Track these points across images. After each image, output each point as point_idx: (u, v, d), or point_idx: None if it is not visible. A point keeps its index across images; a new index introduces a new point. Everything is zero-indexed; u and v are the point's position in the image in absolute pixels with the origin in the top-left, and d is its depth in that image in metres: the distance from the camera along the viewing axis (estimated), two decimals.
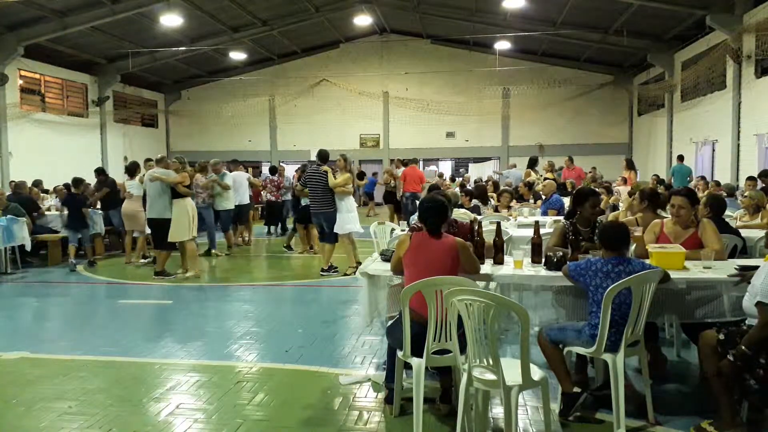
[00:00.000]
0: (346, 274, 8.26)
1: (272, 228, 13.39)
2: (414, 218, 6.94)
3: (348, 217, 8.26)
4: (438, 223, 3.65)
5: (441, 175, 19.04)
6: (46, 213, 10.13)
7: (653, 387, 3.67)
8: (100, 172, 10.89)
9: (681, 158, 15.08)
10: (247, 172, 12.53)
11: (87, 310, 7.02)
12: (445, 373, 3.68)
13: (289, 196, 12.76)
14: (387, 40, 22.11)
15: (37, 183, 12.10)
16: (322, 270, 8.40)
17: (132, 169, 9.64)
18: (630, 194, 6.48)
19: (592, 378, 3.98)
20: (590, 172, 14.22)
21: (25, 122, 16.22)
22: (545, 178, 11.23)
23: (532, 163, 13.71)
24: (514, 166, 16.52)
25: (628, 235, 3.64)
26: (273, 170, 12.80)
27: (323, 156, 8.43)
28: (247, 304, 7.09)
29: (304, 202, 10.00)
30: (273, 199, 12.48)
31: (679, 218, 4.31)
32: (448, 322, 3.26)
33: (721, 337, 3.17)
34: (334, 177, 8.16)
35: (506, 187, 10.43)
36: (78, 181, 9.65)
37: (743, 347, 3.05)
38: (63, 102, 18.31)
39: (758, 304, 3.06)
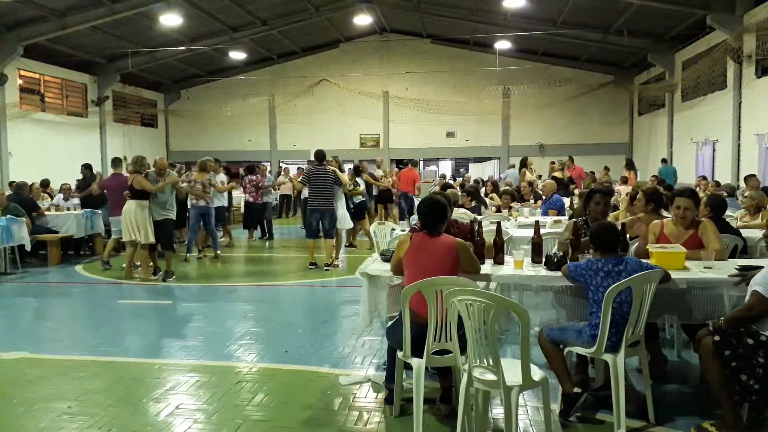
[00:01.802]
0: (326, 267, 8.73)
1: (253, 231, 12.48)
2: (414, 218, 6.97)
3: (343, 213, 9.04)
4: (437, 223, 3.64)
5: (444, 176, 19.17)
6: (46, 213, 10.12)
7: (654, 387, 3.67)
8: (87, 168, 10.90)
9: (664, 161, 16.15)
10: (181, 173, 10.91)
11: (87, 310, 7.01)
12: (446, 374, 3.68)
13: (270, 198, 12.58)
14: (387, 40, 22.10)
15: (46, 183, 12.05)
16: (326, 265, 8.74)
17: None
18: (631, 196, 6.46)
19: (592, 378, 3.98)
20: (589, 173, 14.22)
21: (25, 122, 16.20)
22: (553, 177, 11.23)
23: (523, 164, 13.62)
24: (513, 166, 16.54)
25: (619, 235, 3.64)
26: (251, 169, 12.42)
27: (321, 156, 8.80)
28: (246, 305, 7.09)
29: (357, 199, 10.47)
30: (251, 200, 12.01)
31: (683, 219, 4.30)
32: (448, 323, 3.26)
33: (716, 338, 3.17)
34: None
35: (507, 187, 10.43)
36: None
37: (722, 321, 3.17)
38: (62, 102, 18.30)
39: (754, 292, 3.13)
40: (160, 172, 8.33)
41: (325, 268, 8.67)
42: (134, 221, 7.98)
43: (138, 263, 8.37)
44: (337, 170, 8.94)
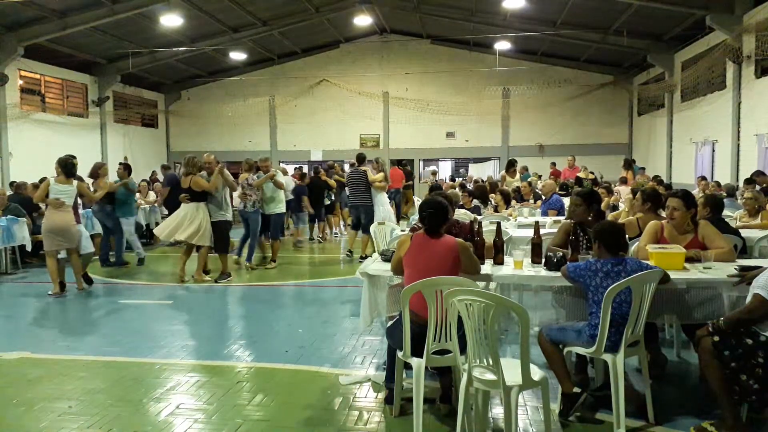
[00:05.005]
0: (360, 258, 9.28)
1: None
2: (415, 218, 6.99)
3: (380, 210, 9.65)
4: (438, 223, 3.65)
5: (435, 173, 19.33)
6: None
7: (653, 387, 3.67)
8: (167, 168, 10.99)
9: (633, 161, 16.67)
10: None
11: (87, 310, 7.01)
12: (445, 374, 3.69)
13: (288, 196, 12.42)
14: (387, 41, 22.09)
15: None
16: (360, 257, 9.40)
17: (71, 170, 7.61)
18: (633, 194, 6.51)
19: (592, 378, 3.99)
20: (589, 174, 14.27)
21: (25, 122, 16.20)
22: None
23: (510, 166, 13.55)
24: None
25: (625, 235, 3.65)
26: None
27: (360, 158, 9.98)
28: (247, 304, 7.10)
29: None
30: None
31: (673, 220, 4.28)
32: (448, 323, 3.26)
33: (716, 339, 3.18)
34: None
35: (506, 188, 10.43)
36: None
37: (722, 322, 3.16)
38: (63, 102, 18.29)
39: (755, 295, 3.12)
40: (210, 169, 8.05)
41: (360, 259, 9.21)
42: (194, 224, 7.85)
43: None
44: (368, 170, 9.75)
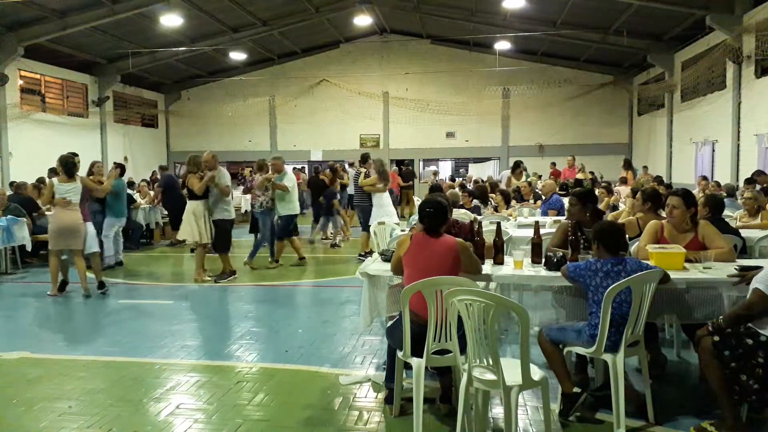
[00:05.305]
0: (359, 256, 9.47)
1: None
2: (414, 218, 6.99)
3: (381, 210, 9.38)
4: (437, 223, 3.66)
5: (435, 173, 19.36)
6: (47, 213, 10.11)
7: (653, 387, 3.67)
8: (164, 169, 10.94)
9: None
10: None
11: (87, 310, 7.01)
12: (445, 373, 3.69)
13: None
14: (387, 41, 22.11)
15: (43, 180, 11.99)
16: (359, 255, 9.52)
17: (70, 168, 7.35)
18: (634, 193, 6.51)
19: (592, 378, 3.99)
20: (589, 174, 14.29)
21: (25, 122, 16.21)
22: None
23: (515, 167, 13.49)
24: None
25: (625, 235, 3.65)
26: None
27: (364, 158, 10.16)
28: (247, 304, 7.10)
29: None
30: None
31: (672, 218, 4.29)
32: (448, 323, 3.27)
33: (716, 338, 3.18)
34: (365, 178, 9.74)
35: (505, 188, 10.43)
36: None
37: (721, 319, 3.18)
38: (63, 102, 18.31)
39: (755, 289, 3.13)
40: (209, 167, 8.05)
41: (358, 258, 9.35)
42: (194, 222, 7.91)
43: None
44: (363, 172, 9.83)
